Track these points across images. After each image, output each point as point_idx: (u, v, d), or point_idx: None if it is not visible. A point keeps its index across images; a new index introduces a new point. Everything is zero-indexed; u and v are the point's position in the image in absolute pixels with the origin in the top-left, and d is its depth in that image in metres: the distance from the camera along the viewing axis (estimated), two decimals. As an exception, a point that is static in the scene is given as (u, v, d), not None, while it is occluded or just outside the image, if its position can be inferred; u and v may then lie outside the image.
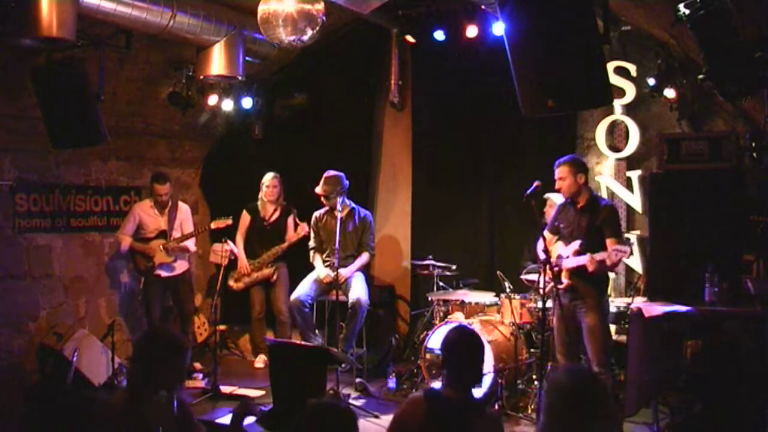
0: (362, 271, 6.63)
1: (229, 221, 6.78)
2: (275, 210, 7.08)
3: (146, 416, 2.95)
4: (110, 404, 3.16)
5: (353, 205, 6.63)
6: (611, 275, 6.00)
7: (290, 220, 7.08)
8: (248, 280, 7.07)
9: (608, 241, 4.92)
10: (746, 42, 3.98)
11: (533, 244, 6.56)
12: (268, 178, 7.05)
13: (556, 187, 5.16)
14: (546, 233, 5.29)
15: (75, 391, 5.67)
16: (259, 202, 7.13)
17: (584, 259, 4.88)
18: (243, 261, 7.09)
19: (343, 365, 6.08)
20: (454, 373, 3.18)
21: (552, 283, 4.96)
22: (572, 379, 2.30)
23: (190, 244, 6.81)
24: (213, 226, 6.84)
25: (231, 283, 7.10)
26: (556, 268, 5.01)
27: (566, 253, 5.06)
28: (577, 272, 5.01)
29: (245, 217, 7.17)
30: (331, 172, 6.49)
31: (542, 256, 5.00)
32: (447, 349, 3.27)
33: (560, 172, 5.10)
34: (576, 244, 5.01)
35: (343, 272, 6.31)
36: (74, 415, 4.68)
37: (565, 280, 5.09)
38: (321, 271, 6.54)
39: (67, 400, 5.27)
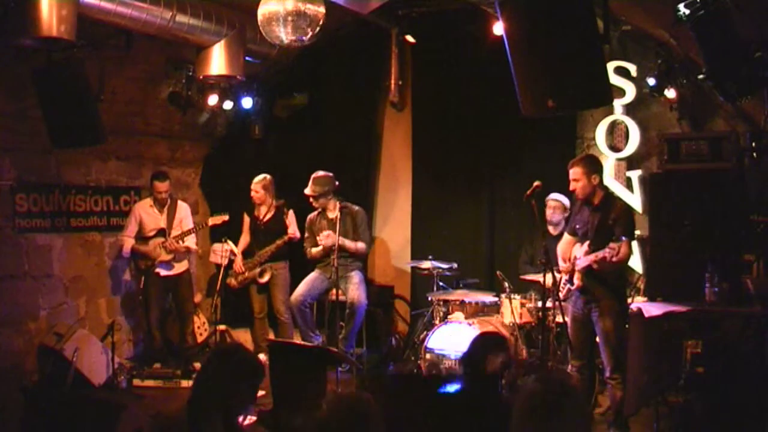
0: (361, 270, 6.62)
1: (226, 217, 6.79)
2: (268, 211, 7.01)
3: None
4: (168, 420, 2.96)
5: (343, 203, 6.55)
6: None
7: (289, 218, 6.97)
8: (241, 278, 7.04)
9: None
10: (746, 42, 3.98)
11: (529, 247, 6.59)
12: (253, 181, 6.92)
13: (570, 188, 5.02)
14: (566, 235, 5.25)
15: (75, 392, 5.67)
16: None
17: (590, 259, 4.79)
18: (237, 260, 7.07)
19: (343, 365, 6.08)
20: None
21: (567, 286, 4.93)
22: (542, 387, 2.33)
23: (191, 243, 6.82)
24: (210, 222, 6.87)
25: (230, 280, 7.10)
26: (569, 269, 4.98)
27: (579, 254, 4.96)
28: (589, 273, 4.88)
29: (246, 219, 7.15)
30: (321, 173, 6.47)
31: (560, 261, 4.95)
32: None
33: (574, 173, 4.93)
34: (586, 245, 4.89)
35: (342, 240, 6.26)
36: (74, 415, 4.67)
37: (576, 281, 4.99)
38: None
39: (67, 400, 5.26)
